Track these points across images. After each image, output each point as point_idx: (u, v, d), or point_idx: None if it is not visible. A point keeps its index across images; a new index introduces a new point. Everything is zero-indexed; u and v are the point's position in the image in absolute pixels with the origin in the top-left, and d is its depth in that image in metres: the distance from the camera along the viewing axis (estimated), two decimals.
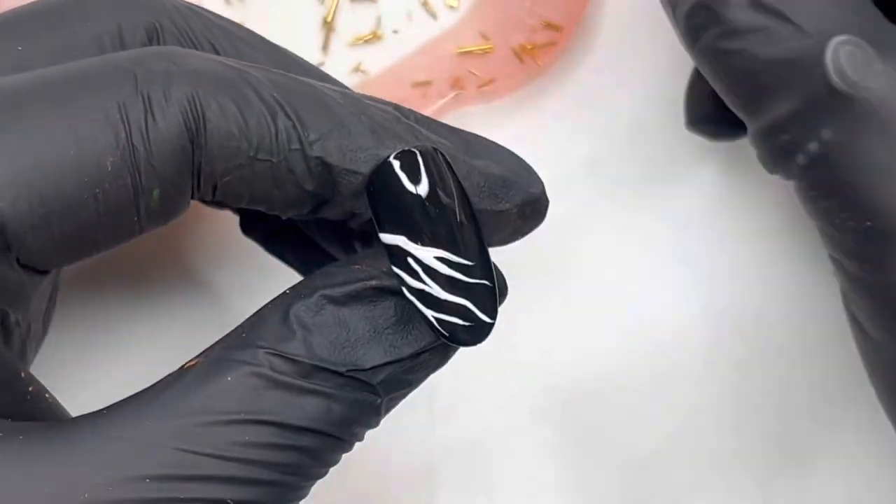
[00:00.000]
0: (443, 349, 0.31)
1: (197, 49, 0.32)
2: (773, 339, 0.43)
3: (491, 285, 0.30)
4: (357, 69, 0.44)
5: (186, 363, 0.29)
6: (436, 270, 0.29)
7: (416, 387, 0.31)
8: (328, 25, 0.45)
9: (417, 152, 0.30)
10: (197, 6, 0.34)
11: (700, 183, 0.44)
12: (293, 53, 0.35)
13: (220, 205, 0.33)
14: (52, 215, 0.28)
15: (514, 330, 0.41)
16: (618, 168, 0.44)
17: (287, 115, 0.29)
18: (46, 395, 0.30)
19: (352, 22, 0.45)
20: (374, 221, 0.30)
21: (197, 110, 0.28)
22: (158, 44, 0.32)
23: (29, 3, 0.33)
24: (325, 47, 0.45)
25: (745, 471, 0.42)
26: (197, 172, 0.29)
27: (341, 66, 0.44)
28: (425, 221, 0.29)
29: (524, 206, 0.32)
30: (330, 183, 0.30)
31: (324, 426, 0.29)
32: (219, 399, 0.28)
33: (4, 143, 0.27)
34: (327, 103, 0.30)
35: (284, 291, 0.30)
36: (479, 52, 0.44)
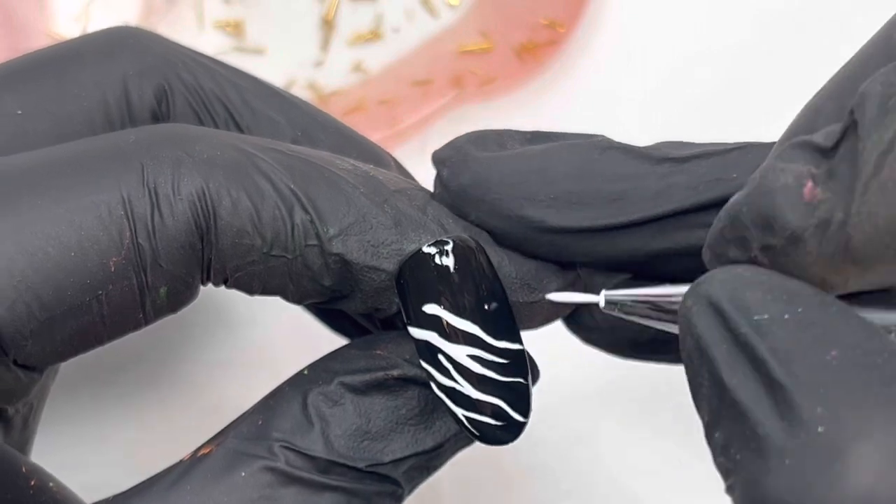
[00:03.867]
0: (467, 435, 0.29)
1: (208, 109, 0.31)
2: None
3: (525, 382, 0.28)
4: (357, 68, 0.44)
5: (199, 450, 0.28)
6: (468, 369, 0.27)
7: (440, 469, 0.30)
8: (328, 24, 0.45)
9: (451, 242, 0.27)
10: (205, 55, 0.32)
11: None
12: (303, 102, 0.32)
13: None
14: (53, 321, 0.26)
15: None
16: None
17: (304, 209, 0.27)
18: (51, 485, 0.28)
19: (352, 20, 0.45)
20: (404, 314, 0.28)
21: (208, 206, 0.26)
22: (168, 106, 0.30)
23: (29, 54, 0.31)
24: (325, 46, 0.45)
25: None
26: (207, 267, 0.27)
27: (341, 64, 0.44)
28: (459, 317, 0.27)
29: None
30: (350, 280, 0.28)
31: None
32: (232, 496, 0.27)
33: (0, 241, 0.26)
34: (347, 193, 0.27)
35: (302, 372, 0.29)
36: (480, 51, 0.44)
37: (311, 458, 0.27)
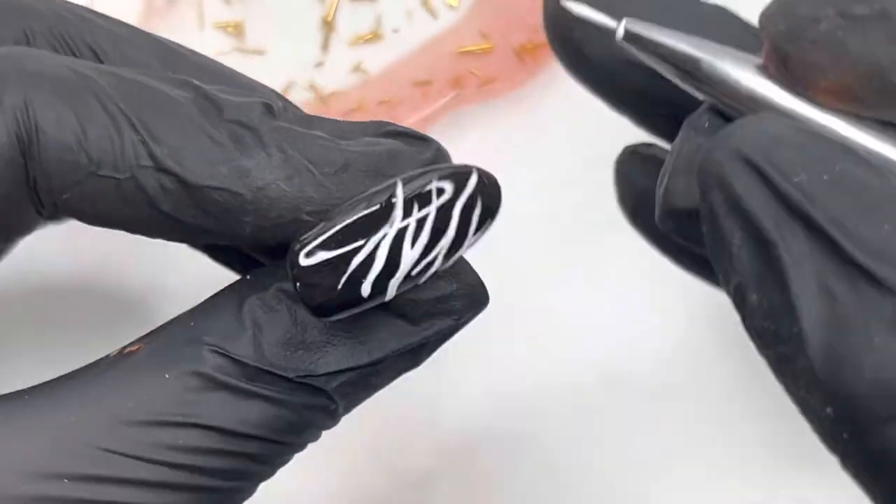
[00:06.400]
0: (411, 354, 0.28)
1: (74, 53, 0.29)
2: None
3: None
4: (357, 68, 0.44)
5: (127, 346, 0.27)
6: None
7: (381, 388, 0.28)
8: (328, 25, 0.45)
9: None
10: (80, 6, 0.31)
11: None
12: (186, 49, 0.31)
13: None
14: None
15: (512, 328, 0.41)
16: None
17: (134, 128, 0.26)
18: None
19: (352, 21, 0.45)
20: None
21: (30, 120, 0.26)
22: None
23: None
24: (325, 47, 0.45)
25: (742, 481, 0.42)
26: (34, 187, 0.26)
27: (341, 65, 0.44)
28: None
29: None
30: (197, 205, 0.27)
31: (269, 433, 0.27)
32: (154, 397, 0.26)
33: None
34: (185, 114, 0.27)
35: (243, 277, 0.28)
36: (480, 51, 0.44)
37: (241, 365, 0.26)
